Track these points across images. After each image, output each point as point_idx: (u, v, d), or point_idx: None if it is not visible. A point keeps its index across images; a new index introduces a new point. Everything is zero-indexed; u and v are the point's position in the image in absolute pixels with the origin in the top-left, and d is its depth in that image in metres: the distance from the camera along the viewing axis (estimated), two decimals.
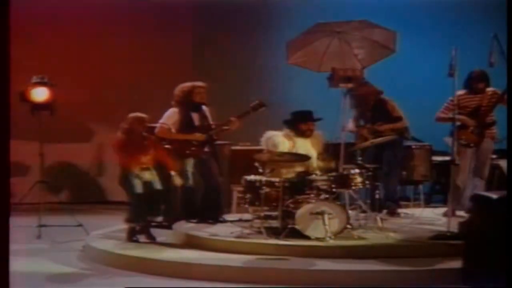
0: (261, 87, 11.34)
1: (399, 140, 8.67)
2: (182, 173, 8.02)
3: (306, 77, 9.76)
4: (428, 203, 9.85)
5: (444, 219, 7.73)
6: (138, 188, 7.65)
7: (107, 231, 8.34)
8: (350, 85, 7.86)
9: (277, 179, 7.46)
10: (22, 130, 8.52)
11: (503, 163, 9.25)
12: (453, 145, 7.52)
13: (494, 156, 8.99)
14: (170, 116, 8.21)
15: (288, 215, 7.29)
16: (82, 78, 11.45)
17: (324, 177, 7.54)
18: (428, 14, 11.54)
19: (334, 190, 7.53)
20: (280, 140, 7.95)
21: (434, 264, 6.52)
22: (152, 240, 7.68)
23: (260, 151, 7.88)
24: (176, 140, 8.15)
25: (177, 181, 7.84)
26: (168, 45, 11.80)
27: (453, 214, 7.74)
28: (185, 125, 8.19)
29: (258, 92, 9.94)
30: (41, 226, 8.62)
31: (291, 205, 7.35)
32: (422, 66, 11.14)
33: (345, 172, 7.66)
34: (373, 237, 7.24)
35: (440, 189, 10.38)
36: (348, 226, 7.32)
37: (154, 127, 8.18)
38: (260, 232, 7.27)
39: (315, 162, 7.89)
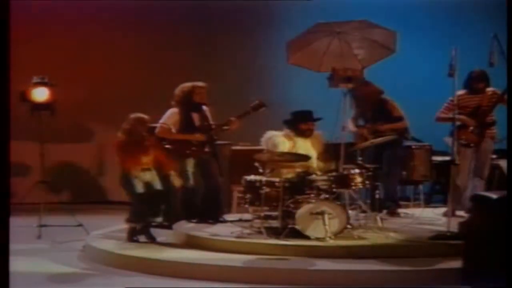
0: (261, 87, 11.33)
1: (399, 140, 8.67)
2: (182, 173, 8.02)
3: (306, 77, 9.77)
4: (428, 203, 9.83)
5: (444, 219, 7.73)
6: (139, 188, 7.66)
7: (107, 231, 8.34)
8: (350, 85, 7.85)
9: (277, 179, 7.46)
10: (23, 130, 8.55)
11: (503, 163, 9.25)
12: (453, 145, 7.51)
13: (494, 156, 8.98)
14: (170, 116, 8.21)
15: (288, 215, 7.28)
16: (82, 78, 11.45)
17: (324, 177, 7.54)
18: (428, 14, 11.55)
19: (334, 190, 7.52)
20: (280, 140, 7.96)
21: (434, 264, 6.52)
22: (152, 240, 7.68)
23: (260, 151, 7.88)
24: (176, 140, 8.15)
25: (177, 181, 7.83)
26: (168, 45, 11.81)
27: (453, 214, 7.74)
28: (185, 125, 8.19)
29: (258, 92, 9.92)
30: (41, 226, 8.62)
31: (291, 205, 7.34)
32: (422, 66, 11.14)
33: (345, 172, 7.66)
34: (373, 237, 7.24)
35: (440, 189, 10.37)
36: (348, 226, 7.32)
37: (154, 127, 8.18)
38: (260, 232, 7.27)
39: (315, 162, 7.90)
